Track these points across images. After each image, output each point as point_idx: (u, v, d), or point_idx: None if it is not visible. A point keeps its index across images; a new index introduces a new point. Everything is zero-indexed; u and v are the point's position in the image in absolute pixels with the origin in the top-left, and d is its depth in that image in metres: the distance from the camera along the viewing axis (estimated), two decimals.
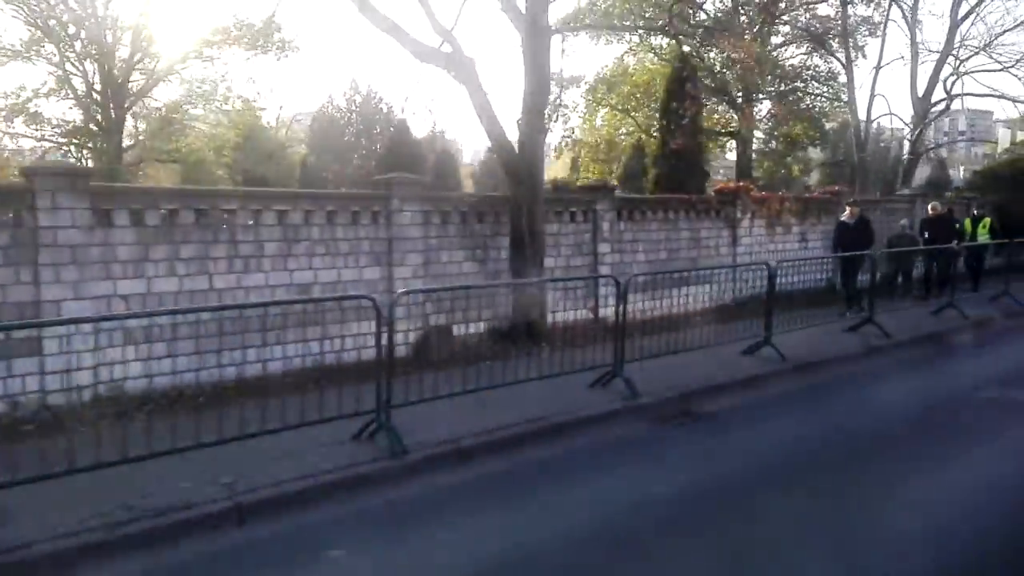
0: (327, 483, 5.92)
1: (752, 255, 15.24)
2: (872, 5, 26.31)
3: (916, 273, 15.98)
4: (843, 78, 32.74)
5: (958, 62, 22.25)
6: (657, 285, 11.26)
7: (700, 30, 35.18)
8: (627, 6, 27.77)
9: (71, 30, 33.42)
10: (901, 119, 25.23)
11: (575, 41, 34.74)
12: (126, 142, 38.13)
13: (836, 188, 17.99)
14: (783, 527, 5.46)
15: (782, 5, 30.61)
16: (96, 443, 5.44)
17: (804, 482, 6.36)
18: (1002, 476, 6.47)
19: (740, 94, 35.13)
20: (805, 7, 30.83)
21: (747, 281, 11.94)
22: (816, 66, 34.17)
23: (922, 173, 55.66)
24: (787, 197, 16.37)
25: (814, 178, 47.43)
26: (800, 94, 35.20)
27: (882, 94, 30.46)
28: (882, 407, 8.73)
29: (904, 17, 23.37)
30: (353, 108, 45.51)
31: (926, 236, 15.34)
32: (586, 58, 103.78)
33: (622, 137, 39.31)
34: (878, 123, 47.17)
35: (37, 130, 35.53)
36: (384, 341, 6.50)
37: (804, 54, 34.32)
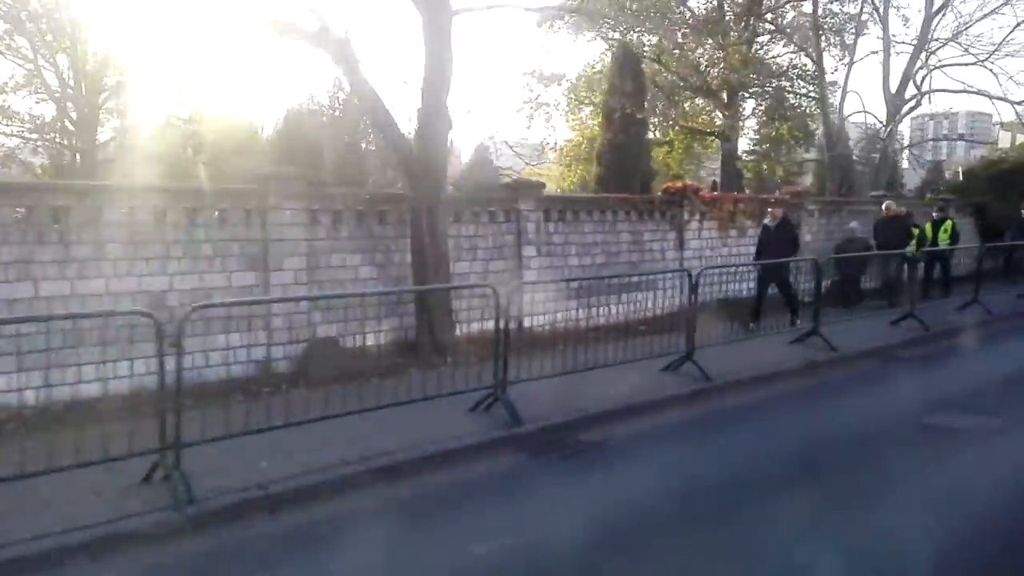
0: (80, 543, 4.76)
1: (703, 259, 14.03)
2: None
3: (873, 280, 14.73)
4: (831, 77, 31.57)
5: (927, 55, 20.92)
6: (570, 294, 10.14)
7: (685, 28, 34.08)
8: None
9: (43, 24, 32.30)
10: (875, 116, 23.85)
11: (555, 37, 33.25)
12: (106, 136, 37.19)
13: (798, 189, 16.74)
14: None
15: (766, 3, 29.42)
16: None
17: (673, 534, 5.19)
18: (922, 529, 5.30)
19: (724, 92, 34.01)
20: (792, 5, 29.55)
21: (677, 288, 10.73)
22: (804, 65, 32.75)
23: (914, 176, 54.43)
24: (741, 198, 15.19)
25: (807, 180, 46.19)
26: (787, 92, 33.95)
27: (855, 91, 28.93)
28: (802, 437, 7.55)
29: (875, 10, 22.04)
30: (336, 106, 44.37)
31: (877, 240, 14.09)
32: (567, 55, 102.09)
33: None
34: (875, 122, 46.03)
35: (7, 125, 34.39)
36: (171, 366, 5.31)
37: (792, 52, 32.99)
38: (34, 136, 34.71)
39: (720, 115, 34.74)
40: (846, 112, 32.20)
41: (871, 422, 7.93)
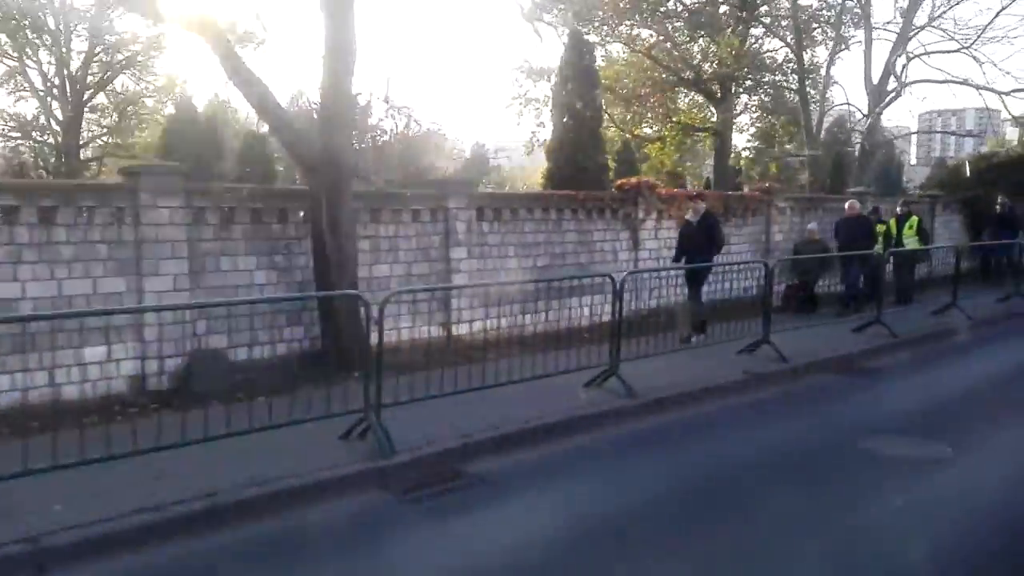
0: None
1: (660, 260, 13.01)
2: None
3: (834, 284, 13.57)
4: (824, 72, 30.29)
5: (907, 42, 19.67)
6: (493, 300, 9.18)
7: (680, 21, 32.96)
8: None
9: (25, 21, 31.53)
10: (858, 109, 22.63)
11: (545, 30, 32.04)
12: (89, 134, 36.45)
13: (767, 185, 15.66)
14: None
15: None
16: None
17: None
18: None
19: (717, 87, 32.87)
20: None
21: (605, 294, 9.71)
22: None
23: (923, 173, 52.95)
24: (704, 195, 14.09)
25: (805, 177, 44.83)
26: (782, 87, 32.66)
27: (838, 82, 27.59)
28: (715, 465, 6.51)
29: None
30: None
31: (839, 241, 12.98)
32: (556, 49, 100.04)
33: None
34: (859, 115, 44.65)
35: None
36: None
37: (787, 46, 31.70)
38: (16, 135, 34.01)
39: (713, 110, 33.70)
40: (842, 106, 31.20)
41: (797, 448, 6.91)
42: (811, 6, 29.34)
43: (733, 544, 4.92)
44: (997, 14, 17.76)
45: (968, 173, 20.86)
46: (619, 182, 12.89)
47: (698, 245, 10.77)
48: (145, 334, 7.63)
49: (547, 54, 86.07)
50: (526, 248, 11.23)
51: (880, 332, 11.45)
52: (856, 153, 20.22)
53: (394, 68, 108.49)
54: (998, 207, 16.69)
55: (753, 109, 36.34)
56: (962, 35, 19.20)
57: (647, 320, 9.74)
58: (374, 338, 6.43)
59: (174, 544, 4.85)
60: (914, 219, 14.15)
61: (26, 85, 33.52)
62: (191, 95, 31.35)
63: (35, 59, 33.10)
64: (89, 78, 34.22)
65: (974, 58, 18.93)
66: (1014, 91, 18.82)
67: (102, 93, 34.97)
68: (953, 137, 61.20)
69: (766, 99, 34.18)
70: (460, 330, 9.99)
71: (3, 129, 33.25)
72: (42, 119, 33.79)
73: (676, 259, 11.15)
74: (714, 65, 31.64)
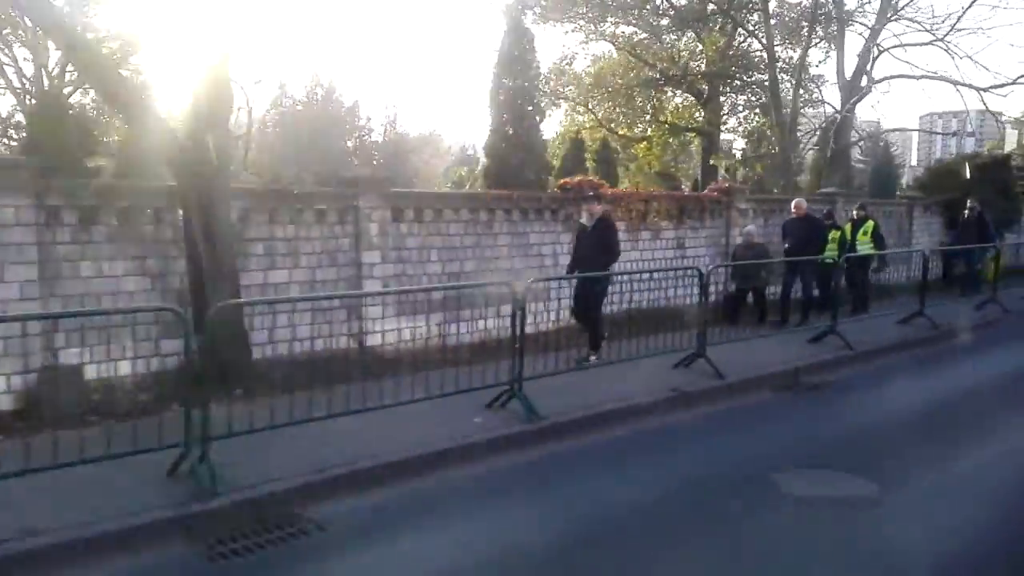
0: None
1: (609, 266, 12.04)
2: None
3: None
4: (815, 70, 29.20)
5: (875, 33, 18.52)
6: (408, 309, 8.28)
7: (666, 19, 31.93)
8: None
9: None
10: (832, 106, 21.53)
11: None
12: None
13: (727, 185, 14.66)
14: None
15: None
16: None
17: None
18: None
19: (704, 86, 31.88)
20: None
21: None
22: (790, 58, 30.26)
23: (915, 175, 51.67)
24: (657, 195, 13.17)
25: (803, 181, 43.58)
26: (766, 86, 31.53)
27: (812, 78, 26.30)
28: (609, 505, 5.54)
29: None
30: (314, 102, 42.57)
31: (787, 245, 11.94)
32: (539, 45, 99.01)
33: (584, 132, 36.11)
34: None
35: None
36: None
37: (777, 45, 30.60)
38: None
39: (700, 110, 32.70)
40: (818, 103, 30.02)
41: (702, 484, 5.93)
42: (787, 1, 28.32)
43: None
44: (972, 3, 16.42)
45: (969, 174, 19.82)
46: (561, 181, 11.92)
47: (591, 254, 9.27)
48: None
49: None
50: (451, 252, 10.28)
51: (836, 343, 10.48)
52: (828, 153, 19.08)
53: (390, 67, 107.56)
54: (967, 211, 15.62)
55: (740, 109, 35.38)
56: (935, 25, 18.10)
57: (561, 333, 8.80)
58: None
59: None
60: (870, 223, 13.11)
61: (1, 82, 32.70)
62: (63, 86, 30.20)
63: (11, 55, 32.26)
64: (67, 75, 33.49)
65: (947, 51, 17.79)
66: (992, 87, 17.80)
67: (79, 91, 34.23)
68: (954, 138, 60.02)
69: (753, 99, 33.19)
70: (377, 340, 9.04)
71: None
72: (17, 117, 32.97)
73: (570, 269, 9.79)
74: (700, 63, 30.68)
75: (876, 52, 17.97)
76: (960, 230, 15.82)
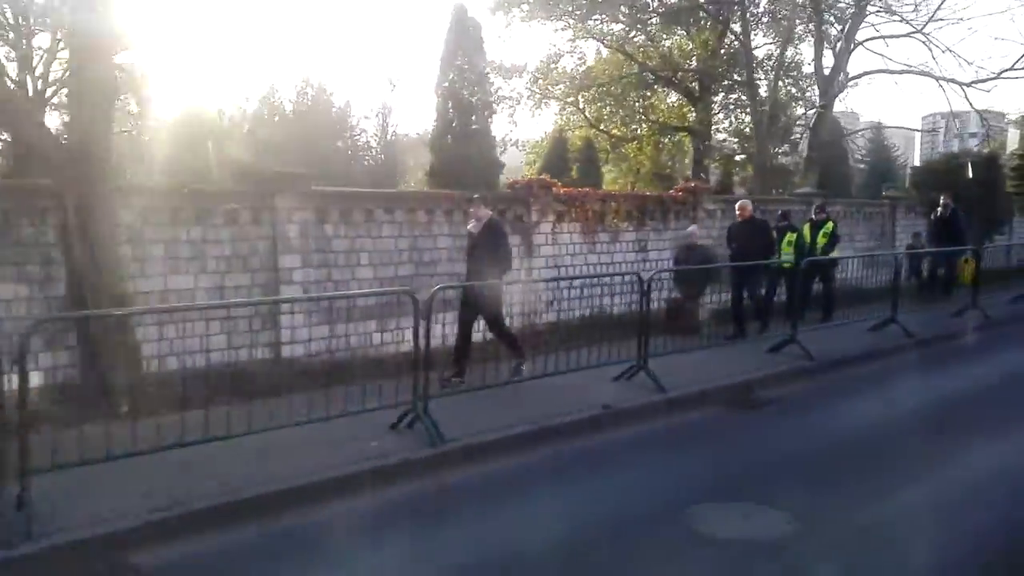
0: None
1: (561, 269, 11.32)
2: None
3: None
4: (808, 68, 28.26)
5: (845, 25, 17.61)
6: (323, 317, 7.54)
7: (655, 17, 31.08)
8: None
9: None
10: (814, 103, 20.58)
11: (514, 26, 29.91)
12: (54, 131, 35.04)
13: (693, 184, 13.86)
14: None
15: None
16: None
17: None
18: None
19: (696, 85, 31.03)
20: None
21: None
22: (773, 55, 29.24)
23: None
24: (615, 195, 12.41)
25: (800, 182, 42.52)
26: (760, 82, 30.64)
27: (790, 75, 25.31)
28: (495, 550, 4.80)
29: None
30: (305, 102, 41.83)
31: (733, 248, 11.11)
32: (525, 43, 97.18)
33: (570, 132, 35.35)
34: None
35: None
36: None
37: (770, 43, 29.67)
38: None
39: (692, 109, 31.82)
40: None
41: (606, 521, 5.14)
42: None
43: None
44: None
45: (971, 173, 18.97)
46: (510, 180, 11.17)
47: (479, 262, 8.25)
48: None
49: (519, 51, 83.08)
50: (385, 255, 9.54)
51: (796, 353, 9.70)
52: (802, 153, 18.24)
53: (385, 67, 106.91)
54: (940, 209, 14.62)
55: (732, 108, 34.48)
56: (913, 17, 17.17)
57: (489, 346, 8.06)
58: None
59: None
60: (829, 224, 12.20)
61: None
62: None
63: None
64: (52, 75, 32.89)
65: (926, 43, 16.87)
66: (975, 82, 16.91)
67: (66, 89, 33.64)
68: (957, 139, 58.95)
69: (743, 98, 32.30)
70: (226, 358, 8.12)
71: None
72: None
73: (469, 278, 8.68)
74: (691, 61, 29.86)
75: (848, 44, 17.02)
76: (931, 230, 14.79)
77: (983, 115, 18.04)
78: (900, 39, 17.71)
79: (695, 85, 31.04)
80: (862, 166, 66.50)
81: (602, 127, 33.29)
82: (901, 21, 17.23)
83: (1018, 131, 44.41)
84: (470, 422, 6.72)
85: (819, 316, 11.79)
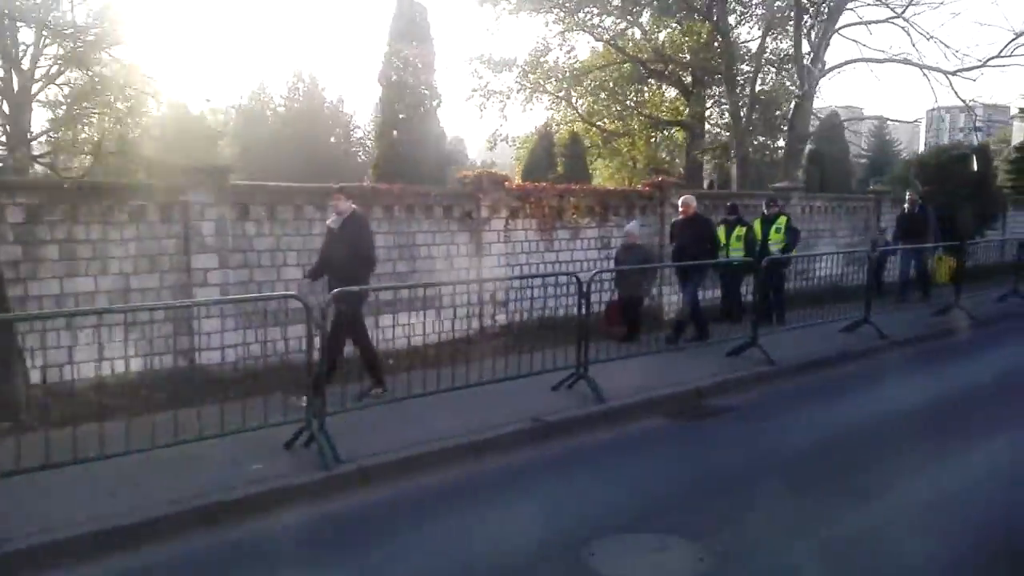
0: None
1: (515, 269, 10.61)
2: None
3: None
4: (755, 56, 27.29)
5: (823, 11, 16.76)
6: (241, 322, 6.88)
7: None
8: None
9: None
10: (796, 95, 19.73)
11: (504, 20, 28.95)
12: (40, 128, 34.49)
13: (660, 179, 13.11)
14: None
15: None
16: None
17: None
18: None
19: (689, 79, 30.25)
20: None
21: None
22: (779, 48, 28.33)
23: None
24: (575, 190, 11.66)
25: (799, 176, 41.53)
26: (751, 76, 29.76)
27: (772, 66, 24.38)
28: None
29: None
30: (296, 98, 41.27)
31: (674, 247, 10.30)
32: (515, 37, 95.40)
33: (557, 127, 34.62)
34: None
35: None
36: None
37: (764, 35, 28.75)
38: None
39: (685, 103, 30.99)
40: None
41: (504, 556, 4.47)
42: None
43: None
44: None
45: (976, 167, 18.14)
46: (460, 173, 10.46)
47: (340, 263, 7.15)
48: None
49: (509, 44, 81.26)
50: (315, 255, 8.83)
51: (757, 358, 8.99)
52: (784, 143, 17.43)
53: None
54: (906, 205, 13.69)
55: (721, 101, 33.63)
56: (894, 1, 16.28)
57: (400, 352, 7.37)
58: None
59: None
60: (782, 219, 11.31)
61: None
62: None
63: None
64: (38, 71, 32.38)
65: (905, 29, 16.07)
66: (960, 71, 16.05)
67: (53, 86, 33.14)
68: (961, 133, 58.06)
69: (747, 92, 31.40)
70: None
71: None
72: None
73: (312, 275, 7.64)
74: (685, 55, 29.04)
75: (828, 31, 16.19)
76: (900, 227, 13.80)
77: (969, 104, 17.19)
78: (883, 29, 16.95)
79: (688, 79, 30.30)
80: (863, 161, 65.55)
81: (594, 122, 32.48)
82: (880, 4, 16.37)
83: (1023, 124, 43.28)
84: (376, 440, 6.05)
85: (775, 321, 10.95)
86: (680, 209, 10.05)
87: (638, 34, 30.70)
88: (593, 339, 7.86)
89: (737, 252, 10.57)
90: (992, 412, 7.49)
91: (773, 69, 28.15)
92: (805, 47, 17.28)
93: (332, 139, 42.23)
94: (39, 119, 35.27)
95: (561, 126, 33.65)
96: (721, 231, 10.95)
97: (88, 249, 7.34)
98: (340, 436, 5.82)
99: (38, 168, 34.82)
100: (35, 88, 32.92)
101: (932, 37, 22.10)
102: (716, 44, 27.08)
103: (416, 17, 10.46)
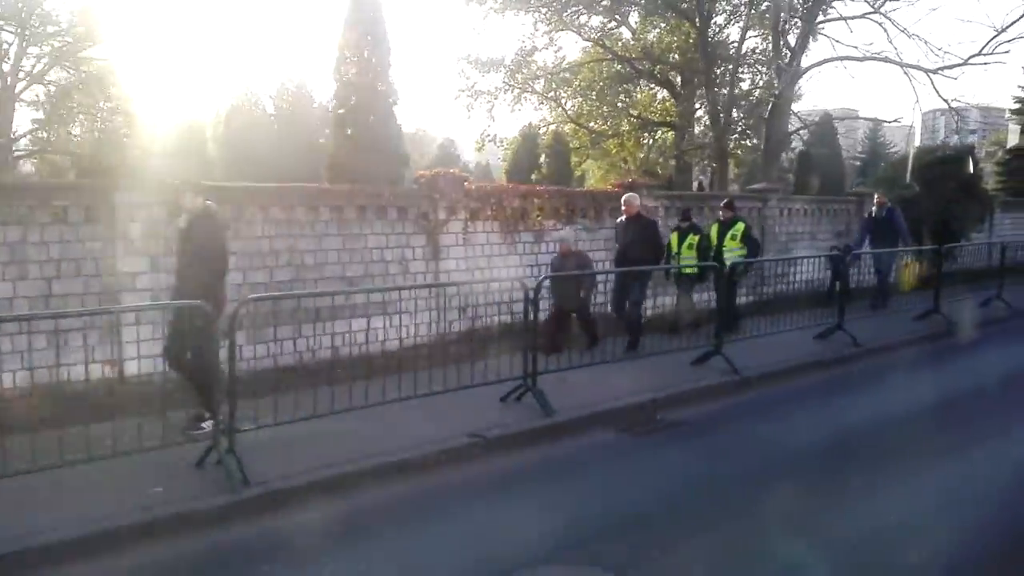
0: None
1: (475, 273, 10.15)
2: None
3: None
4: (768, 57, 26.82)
5: (800, 8, 16.31)
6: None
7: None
8: None
9: None
10: (772, 95, 19.29)
11: (491, 19, 28.39)
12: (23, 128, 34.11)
13: (631, 180, 12.64)
14: None
15: None
16: None
17: None
18: None
19: (678, 79, 29.80)
20: None
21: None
22: (766, 50, 27.78)
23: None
24: (539, 191, 11.21)
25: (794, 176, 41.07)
26: (741, 76, 29.24)
27: (749, 66, 23.83)
28: None
29: None
30: (285, 102, 40.83)
31: (616, 249, 9.75)
32: (501, 36, 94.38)
33: (548, 127, 34.21)
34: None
35: None
36: None
37: (756, 35, 28.28)
38: None
39: (673, 103, 30.51)
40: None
41: None
42: None
43: None
44: None
45: (972, 169, 17.69)
46: (417, 173, 10.01)
47: (190, 271, 6.13)
48: None
49: (495, 44, 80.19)
50: (259, 258, 8.40)
51: (721, 367, 8.54)
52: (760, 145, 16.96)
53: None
54: (874, 208, 13.02)
55: (710, 103, 33.15)
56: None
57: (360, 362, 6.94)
58: None
59: None
60: (739, 226, 10.68)
61: None
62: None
63: None
64: (20, 71, 31.98)
65: (882, 25, 15.55)
66: (941, 69, 15.61)
67: (38, 85, 32.73)
68: (957, 135, 57.55)
69: (723, 91, 30.98)
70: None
71: None
72: None
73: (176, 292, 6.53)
74: (674, 55, 28.59)
75: (807, 29, 15.73)
76: (865, 230, 13.16)
77: (952, 104, 16.73)
78: (865, 29, 16.53)
79: (677, 79, 29.85)
80: (857, 163, 65.05)
81: (582, 123, 32.01)
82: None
83: (1019, 126, 42.83)
84: (296, 459, 5.59)
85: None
86: (623, 208, 9.57)
87: (627, 34, 30.32)
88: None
89: (689, 259, 10.06)
90: (967, 424, 7.04)
91: (752, 69, 27.78)
92: (784, 47, 16.82)
93: (322, 140, 41.76)
94: (23, 119, 34.85)
95: (547, 127, 33.24)
96: (673, 238, 10.44)
97: (6, 253, 6.89)
98: (255, 453, 5.39)
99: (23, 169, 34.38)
100: (19, 87, 32.56)
101: (913, 35, 21.57)
102: (693, 42, 26.66)
103: (371, 13, 9.99)
